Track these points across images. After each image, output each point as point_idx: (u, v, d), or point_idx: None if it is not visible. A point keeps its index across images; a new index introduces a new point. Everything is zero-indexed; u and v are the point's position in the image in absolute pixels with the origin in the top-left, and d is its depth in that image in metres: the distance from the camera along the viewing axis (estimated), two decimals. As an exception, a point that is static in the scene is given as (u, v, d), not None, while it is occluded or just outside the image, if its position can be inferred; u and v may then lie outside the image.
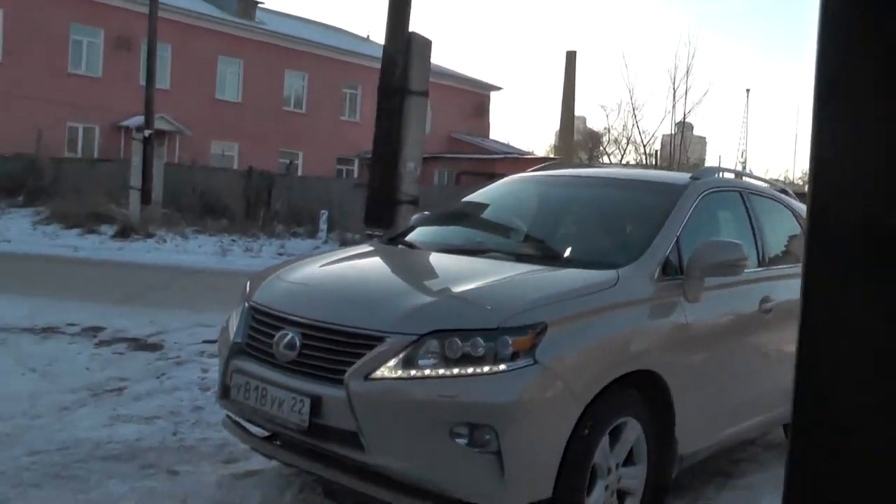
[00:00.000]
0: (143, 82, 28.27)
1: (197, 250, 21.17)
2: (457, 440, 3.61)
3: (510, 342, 3.66)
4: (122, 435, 5.65)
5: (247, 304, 4.54)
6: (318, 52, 43.55)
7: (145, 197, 23.17)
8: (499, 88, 52.93)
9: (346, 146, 43.00)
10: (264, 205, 27.43)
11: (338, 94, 44.32)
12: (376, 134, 7.87)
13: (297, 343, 4.02)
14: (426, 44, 8.03)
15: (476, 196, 6.28)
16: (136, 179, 23.14)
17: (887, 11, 1.21)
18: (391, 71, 7.62)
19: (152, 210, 23.36)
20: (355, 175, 42.66)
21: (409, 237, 5.65)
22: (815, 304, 1.33)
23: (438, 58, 58.67)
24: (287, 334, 4.08)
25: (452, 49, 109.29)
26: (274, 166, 35.04)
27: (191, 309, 10.80)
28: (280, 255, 20.94)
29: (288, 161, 36.83)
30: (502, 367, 3.64)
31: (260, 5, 44.08)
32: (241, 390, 4.22)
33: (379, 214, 7.62)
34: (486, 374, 3.64)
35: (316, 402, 3.85)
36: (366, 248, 5.80)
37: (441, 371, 3.69)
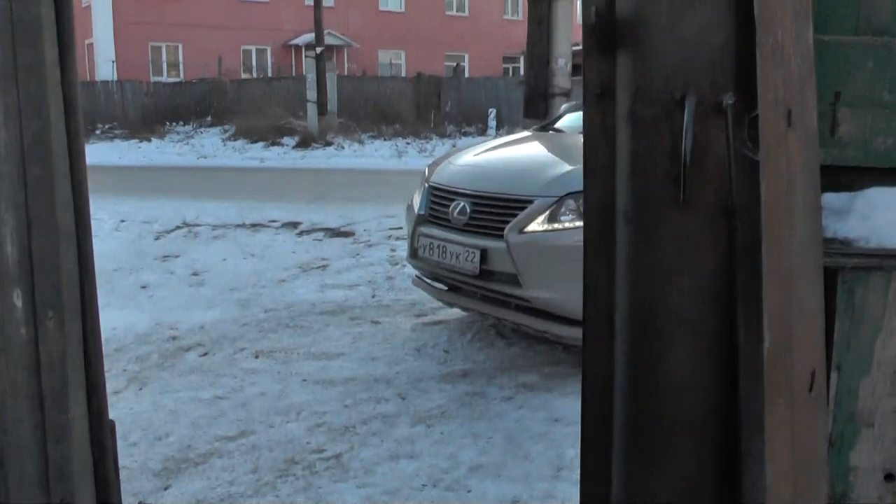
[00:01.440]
0: (308, 2, 29.66)
1: (374, 154, 22.68)
2: (591, 275, 4.69)
3: (630, 198, 4.69)
4: (331, 298, 7.01)
5: (427, 185, 5.73)
6: (479, -48, 43.87)
7: (321, 109, 24.81)
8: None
9: (511, 44, 43.37)
10: (434, 108, 28.70)
11: (500, -8, 44.68)
12: (529, 37, 8.82)
13: (468, 210, 5.19)
14: (571, -51, 8.89)
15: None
16: (312, 93, 24.80)
17: None
18: (539, -20, 8.56)
19: (329, 120, 25.01)
20: (521, 72, 43.14)
21: (558, 124, 6.69)
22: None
23: None
24: (460, 203, 5.25)
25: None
26: (441, 70, 36.12)
27: (375, 203, 12.17)
28: (451, 153, 22.19)
29: (455, 64, 37.85)
30: (624, 218, 4.69)
31: (418, -87, 44.67)
32: (426, 249, 5.43)
33: (536, 108, 8.63)
34: (612, 223, 4.69)
35: (484, 253, 5.02)
36: (521, 135, 6.90)
37: (577, 224, 4.77)
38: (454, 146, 24.07)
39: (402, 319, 6.40)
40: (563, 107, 7.28)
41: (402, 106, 28.32)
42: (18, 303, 1.63)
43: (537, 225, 4.85)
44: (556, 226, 4.83)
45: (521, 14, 44.20)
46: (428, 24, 41.56)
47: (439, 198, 5.51)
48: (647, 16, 1.33)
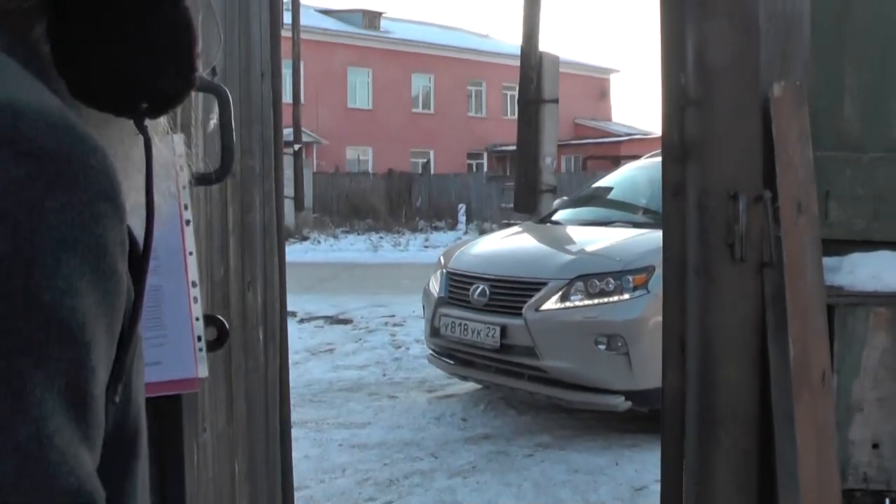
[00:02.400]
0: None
1: (350, 248, 23.38)
2: (599, 346, 5.40)
3: (631, 279, 5.43)
4: (346, 377, 7.62)
5: (444, 271, 6.44)
6: (442, 53, 45.24)
7: (298, 204, 25.56)
8: (617, 71, 53.71)
9: (475, 141, 44.59)
10: (405, 203, 29.63)
11: (463, 91, 45.88)
12: (519, 138, 9.68)
13: (488, 292, 5.89)
14: (555, 60, 9.79)
15: (602, 182, 8.04)
16: (289, 189, 25.57)
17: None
18: (528, 86, 9.41)
19: (305, 215, 25.77)
20: (485, 168, 44.26)
21: (555, 217, 7.47)
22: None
23: (559, 48, 58.68)
24: (479, 286, 5.95)
25: (569, 37, 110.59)
26: (407, 166, 37.11)
27: (363, 294, 12.84)
28: (426, 247, 23.00)
29: (424, 160, 38.93)
30: (626, 296, 5.42)
31: (384, 15, 46.27)
32: (448, 328, 6.10)
33: (526, 202, 9.43)
34: (616, 301, 5.42)
35: (504, 329, 5.71)
36: (524, 227, 7.67)
37: (586, 302, 5.49)
38: (427, 240, 24.94)
39: (417, 394, 7.02)
40: (556, 202, 8.10)
41: (375, 201, 29.21)
42: (260, 337, 2.27)
43: (552, 304, 5.56)
44: (567, 304, 5.54)
45: (485, 111, 45.71)
46: (394, 121, 42.61)
47: (458, 282, 6.22)
48: (707, 138, 2.06)
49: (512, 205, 28.57)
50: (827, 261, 2.14)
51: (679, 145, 2.11)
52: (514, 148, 39.88)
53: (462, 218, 28.52)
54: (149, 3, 0.77)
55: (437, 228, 28.08)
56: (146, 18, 0.77)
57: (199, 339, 1.59)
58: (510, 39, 56.08)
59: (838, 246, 2.20)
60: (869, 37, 2.20)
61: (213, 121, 1.64)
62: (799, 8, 2.21)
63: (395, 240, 24.92)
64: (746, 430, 2.12)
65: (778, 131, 2.08)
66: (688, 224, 2.11)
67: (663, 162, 2.18)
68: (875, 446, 2.12)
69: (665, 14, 2.21)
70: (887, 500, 2.21)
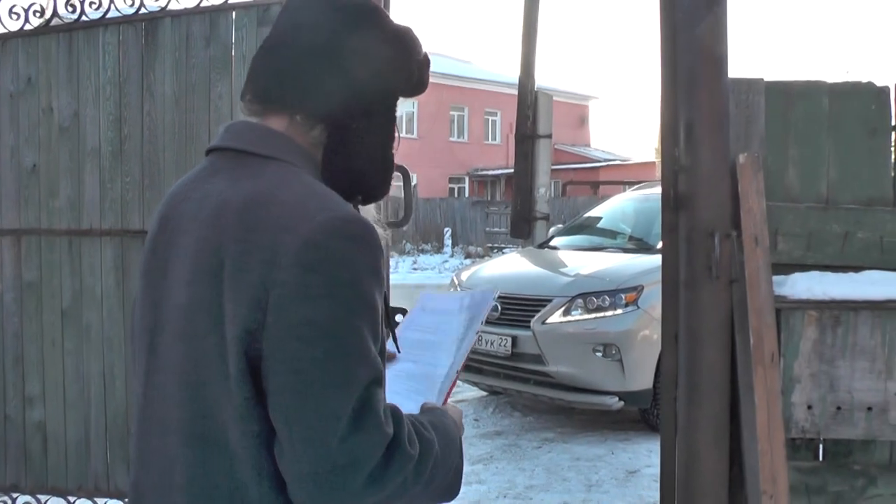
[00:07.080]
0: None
1: (341, 270, 24.16)
2: (596, 354, 6.33)
3: (623, 297, 6.38)
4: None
5: (459, 289, 7.35)
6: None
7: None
8: (596, 98, 54.75)
9: (457, 165, 45.43)
10: (392, 226, 30.49)
11: (446, 116, 46.86)
12: (516, 169, 10.58)
13: (499, 308, 6.80)
14: (549, 98, 10.74)
15: (593, 212, 9.01)
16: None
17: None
18: (524, 123, 10.34)
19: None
20: (466, 192, 45.17)
21: (552, 243, 8.42)
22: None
23: (539, 74, 59.46)
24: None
25: (549, 63, 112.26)
26: (392, 189, 37.91)
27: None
28: (415, 269, 23.93)
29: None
30: (619, 311, 6.36)
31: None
32: (463, 339, 7.01)
33: (521, 228, 10.34)
34: (611, 315, 6.36)
35: (514, 339, 6.63)
36: (527, 251, 8.63)
37: (585, 316, 6.43)
38: (415, 262, 25.86)
39: (431, 399, 7.91)
40: (552, 230, 9.08)
41: (363, 225, 30.03)
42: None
43: (556, 317, 6.50)
44: (569, 318, 6.48)
45: (467, 136, 46.70)
46: (379, 146, 43.25)
47: (472, 299, 7.13)
48: (693, 193, 2.99)
49: (496, 229, 29.47)
50: (775, 278, 3.06)
51: (674, 198, 3.05)
52: (494, 172, 40.73)
53: (448, 241, 29.49)
54: (369, 145, 1.62)
55: (423, 251, 29.03)
56: (363, 153, 1.61)
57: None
58: (492, 66, 57.09)
59: (783, 268, 3.12)
60: (805, 123, 3.15)
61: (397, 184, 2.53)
62: (757, 100, 3.16)
63: (383, 262, 25.75)
64: (720, 396, 3.04)
65: (742, 188, 3.01)
66: (679, 253, 3.04)
67: (662, 209, 3.12)
68: (809, 407, 3.05)
69: (664, 105, 3.15)
70: (821, 446, 3.14)
